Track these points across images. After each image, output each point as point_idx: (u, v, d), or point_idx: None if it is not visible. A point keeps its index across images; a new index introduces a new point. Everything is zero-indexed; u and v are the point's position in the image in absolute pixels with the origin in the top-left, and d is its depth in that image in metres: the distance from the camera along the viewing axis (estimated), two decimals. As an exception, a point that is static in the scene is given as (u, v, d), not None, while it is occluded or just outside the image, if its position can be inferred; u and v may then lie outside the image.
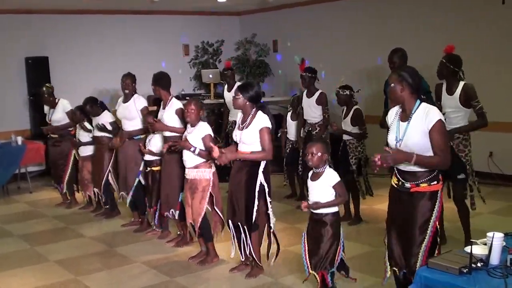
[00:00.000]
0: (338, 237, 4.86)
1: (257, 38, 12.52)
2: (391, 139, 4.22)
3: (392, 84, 4.14)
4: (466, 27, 8.84)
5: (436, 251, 4.19)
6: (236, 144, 5.46)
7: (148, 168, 6.89)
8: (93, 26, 11.34)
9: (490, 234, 3.42)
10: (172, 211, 6.38)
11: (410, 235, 4.15)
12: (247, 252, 5.50)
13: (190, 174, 5.81)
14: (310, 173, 4.94)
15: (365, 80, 10.22)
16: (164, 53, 11.91)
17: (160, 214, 6.73)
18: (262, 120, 5.29)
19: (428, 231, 4.10)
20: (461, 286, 3.16)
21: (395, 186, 4.26)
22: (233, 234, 5.54)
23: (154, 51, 11.79)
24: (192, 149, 5.64)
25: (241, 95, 5.31)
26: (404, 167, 4.14)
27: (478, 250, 3.50)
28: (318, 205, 4.79)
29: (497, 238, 3.38)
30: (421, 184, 4.09)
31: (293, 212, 7.91)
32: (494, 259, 3.37)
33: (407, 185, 4.13)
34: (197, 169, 5.76)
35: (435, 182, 4.12)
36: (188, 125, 5.83)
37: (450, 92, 5.83)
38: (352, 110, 7.08)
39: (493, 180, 8.54)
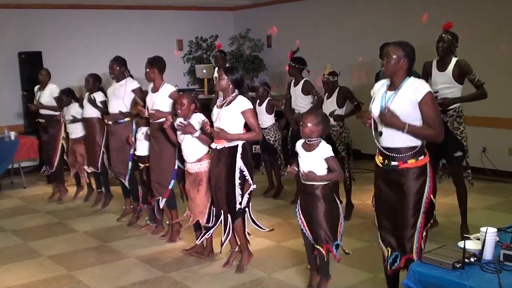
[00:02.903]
0: (336, 208, 4.82)
1: (251, 33, 12.49)
2: (375, 106, 4.17)
3: (395, 56, 4.07)
4: (459, 22, 8.84)
5: (430, 223, 4.21)
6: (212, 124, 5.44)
7: (142, 165, 6.86)
8: (86, 20, 11.31)
9: (483, 229, 3.42)
10: (159, 199, 6.42)
11: (402, 217, 4.13)
12: (228, 238, 5.51)
13: (193, 168, 5.77)
14: (300, 142, 4.87)
15: (359, 75, 10.23)
16: (158, 48, 11.75)
17: (150, 203, 6.78)
18: (244, 102, 5.30)
19: (421, 211, 4.09)
20: (454, 281, 3.16)
21: (381, 165, 4.21)
22: (221, 222, 5.51)
23: (147, 46, 11.70)
24: (195, 134, 5.60)
25: (225, 77, 5.30)
26: (387, 143, 4.10)
27: (471, 245, 3.50)
28: (312, 176, 4.70)
29: (490, 233, 3.38)
30: (408, 161, 4.06)
31: (286, 207, 7.92)
32: (488, 254, 3.37)
33: (394, 163, 4.09)
34: (200, 162, 5.74)
35: (422, 157, 4.10)
36: (179, 119, 5.78)
37: (442, 68, 5.84)
38: (336, 90, 7.00)
39: (486, 175, 8.56)
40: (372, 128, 4.20)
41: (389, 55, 4.11)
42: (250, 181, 5.42)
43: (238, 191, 5.35)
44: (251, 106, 5.33)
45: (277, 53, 12.23)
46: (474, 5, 8.76)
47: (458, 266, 3.25)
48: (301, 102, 7.71)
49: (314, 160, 4.74)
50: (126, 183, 7.34)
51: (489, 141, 8.64)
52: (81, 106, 8.05)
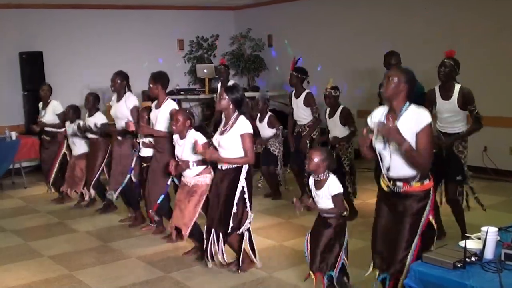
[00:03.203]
0: (341, 240, 4.81)
1: (252, 33, 12.48)
2: (379, 141, 4.14)
3: (395, 79, 4.06)
4: (460, 22, 8.84)
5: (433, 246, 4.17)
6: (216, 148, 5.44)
7: (144, 164, 6.86)
8: (87, 20, 11.30)
9: (484, 228, 3.42)
10: (150, 211, 6.48)
11: (397, 238, 4.10)
12: (220, 257, 5.47)
13: (191, 181, 5.78)
14: (312, 180, 4.90)
15: (359, 74, 10.22)
16: (159, 48, 11.89)
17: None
18: (244, 126, 5.29)
19: (417, 232, 4.07)
20: (455, 281, 3.16)
21: (385, 189, 4.21)
22: (211, 240, 5.47)
23: (148, 46, 11.76)
24: (191, 166, 5.64)
25: (226, 97, 5.29)
26: (394, 175, 4.11)
27: (472, 244, 3.50)
28: (314, 207, 4.79)
29: (491, 233, 3.39)
30: (413, 184, 4.07)
31: (288, 207, 7.89)
32: (488, 254, 3.37)
33: (399, 183, 4.09)
34: (198, 176, 5.75)
35: (427, 180, 4.11)
36: (177, 137, 5.78)
37: (447, 96, 5.78)
38: (340, 109, 7.04)
39: (487, 174, 8.55)
40: (378, 158, 4.20)
41: (389, 78, 4.11)
42: (249, 209, 5.39)
43: (234, 210, 5.31)
44: (250, 130, 5.31)
45: (278, 52, 12.24)
46: (475, 5, 8.74)
47: (459, 265, 3.25)
48: (302, 113, 7.75)
49: (324, 197, 4.80)
50: (115, 196, 7.31)
51: (490, 140, 8.63)
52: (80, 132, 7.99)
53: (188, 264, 5.89)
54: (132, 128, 6.60)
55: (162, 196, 6.38)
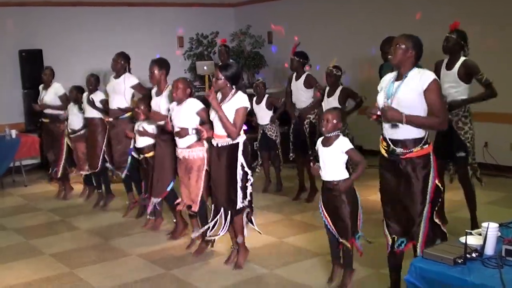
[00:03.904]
0: (356, 202, 4.87)
1: (252, 30, 12.47)
2: (381, 97, 4.23)
3: (403, 46, 4.12)
4: (460, 18, 8.82)
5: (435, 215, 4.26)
6: (211, 123, 5.44)
7: (141, 156, 6.86)
8: (87, 18, 11.29)
9: (485, 224, 3.41)
10: (156, 199, 6.45)
11: (409, 206, 4.18)
12: (232, 236, 5.57)
13: (183, 153, 5.81)
14: (320, 139, 4.92)
15: (360, 69, 10.22)
16: (159, 45, 11.86)
17: (149, 199, 6.73)
18: (241, 99, 5.30)
19: (427, 200, 4.14)
20: (456, 277, 3.16)
21: (385, 155, 4.24)
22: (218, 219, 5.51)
23: (148, 43, 11.73)
24: (190, 133, 5.65)
25: (222, 76, 5.27)
26: (391, 135, 4.15)
27: (473, 240, 3.49)
28: (346, 183, 4.75)
29: (492, 229, 3.38)
30: (413, 149, 4.10)
31: (288, 203, 7.92)
32: (489, 250, 3.36)
33: (399, 150, 4.13)
34: (190, 149, 5.76)
35: (426, 145, 4.15)
36: (173, 104, 5.83)
37: (449, 67, 5.82)
38: (339, 90, 7.07)
39: (488, 170, 8.54)
40: (378, 120, 4.25)
41: (397, 44, 4.16)
42: (250, 177, 5.41)
43: (240, 187, 5.34)
44: (247, 105, 5.33)
45: (278, 49, 12.23)
46: (471, 1, 8.74)
47: (459, 261, 3.25)
48: (302, 95, 7.72)
49: (332, 154, 4.78)
50: (123, 175, 7.41)
51: (491, 136, 8.62)
52: (80, 108, 8.05)
53: (189, 261, 5.89)
54: (140, 117, 6.58)
55: (172, 183, 6.36)
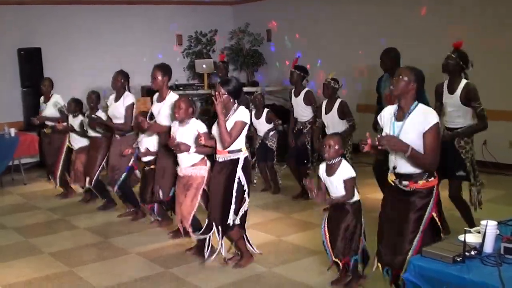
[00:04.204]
0: (360, 223, 4.89)
1: (251, 28, 12.47)
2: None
3: (405, 78, 4.12)
4: (461, 16, 8.83)
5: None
6: (214, 140, 5.44)
7: (147, 167, 6.84)
8: (85, 16, 11.29)
9: (483, 222, 3.41)
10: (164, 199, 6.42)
11: (401, 231, 4.17)
12: (222, 252, 5.53)
13: (185, 171, 5.76)
14: (323, 166, 4.93)
15: (359, 69, 10.22)
16: (157, 43, 11.87)
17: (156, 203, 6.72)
18: (242, 114, 5.30)
19: (420, 229, 4.13)
20: (455, 275, 3.16)
21: (392, 183, 4.27)
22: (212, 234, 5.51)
23: (147, 41, 11.75)
24: (191, 151, 5.60)
25: (225, 92, 5.25)
26: (400, 169, 4.17)
27: (472, 238, 3.50)
28: (330, 200, 4.84)
29: (490, 226, 3.38)
30: (419, 181, 4.12)
31: (287, 202, 7.92)
32: (488, 248, 3.37)
33: (405, 182, 4.15)
34: (193, 167, 5.74)
35: (432, 178, 4.17)
36: (175, 123, 5.78)
37: (451, 90, 5.75)
38: (337, 103, 7.09)
39: (487, 168, 8.54)
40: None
41: (400, 76, 4.16)
42: (247, 196, 5.39)
43: (233, 203, 5.32)
44: (246, 120, 5.31)
45: (276, 47, 12.23)
46: (472, 1, 8.74)
47: (458, 259, 3.25)
48: (302, 111, 7.80)
49: (337, 182, 4.83)
50: (114, 191, 7.37)
51: (489, 134, 8.55)
52: (82, 127, 7.99)
53: (188, 260, 5.89)
54: (144, 125, 6.42)
55: (173, 189, 6.32)
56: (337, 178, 4.82)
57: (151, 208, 6.87)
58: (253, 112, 8.23)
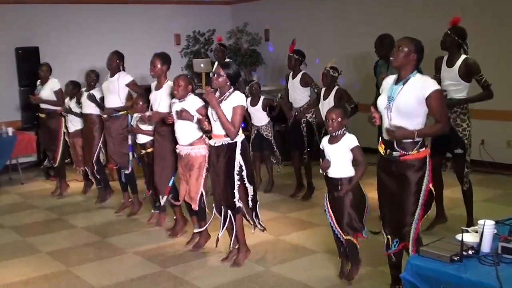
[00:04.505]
0: (363, 199, 4.95)
1: (249, 27, 12.47)
2: (382, 99, 4.29)
3: (406, 49, 4.17)
4: (459, 14, 8.83)
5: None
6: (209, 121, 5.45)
7: (143, 151, 6.87)
8: (83, 15, 11.28)
9: (481, 221, 3.42)
10: (160, 196, 6.44)
11: (402, 206, 4.25)
12: (233, 236, 5.58)
13: (184, 150, 5.81)
14: (326, 138, 4.99)
15: (357, 68, 10.21)
16: (155, 43, 11.81)
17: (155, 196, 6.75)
18: (239, 98, 5.30)
19: (419, 202, 4.21)
20: (452, 274, 3.17)
21: (383, 154, 4.32)
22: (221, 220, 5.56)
23: (145, 41, 11.72)
24: (194, 120, 5.63)
25: (223, 74, 5.29)
26: (390, 139, 4.21)
27: (469, 238, 3.50)
28: (347, 188, 4.83)
29: (488, 226, 3.39)
30: (410, 152, 4.17)
31: (284, 201, 7.92)
32: (485, 247, 3.37)
33: (396, 153, 4.20)
34: (191, 146, 5.77)
35: (423, 148, 4.21)
36: (174, 100, 5.85)
37: (450, 64, 5.82)
38: (334, 90, 7.03)
39: (484, 168, 8.56)
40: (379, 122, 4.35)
41: (400, 47, 4.20)
42: (247, 184, 5.41)
43: (237, 187, 5.34)
44: (244, 103, 5.33)
45: (275, 47, 12.22)
46: (472, 0, 8.75)
47: (456, 259, 3.26)
48: (299, 94, 7.73)
49: (340, 151, 4.85)
50: (126, 173, 7.41)
51: (487, 134, 8.63)
52: (78, 102, 8.05)
53: (186, 259, 5.89)
54: (145, 119, 6.53)
55: (173, 178, 6.36)
56: (341, 146, 4.85)
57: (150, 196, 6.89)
58: (249, 99, 8.19)
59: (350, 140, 4.85)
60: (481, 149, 8.67)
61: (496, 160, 8.67)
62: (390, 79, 4.40)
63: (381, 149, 4.34)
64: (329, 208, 4.96)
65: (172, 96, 6.01)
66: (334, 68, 7.08)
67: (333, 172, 4.88)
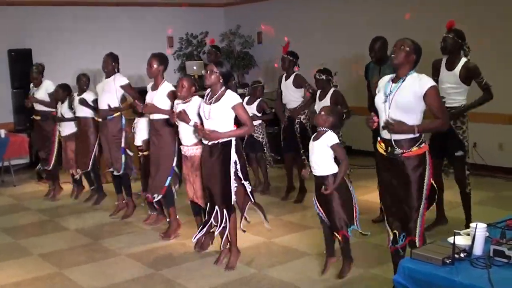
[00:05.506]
0: (349, 194, 5.04)
1: (242, 30, 12.47)
2: (380, 97, 4.36)
3: (407, 48, 4.25)
4: (456, 16, 8.85)
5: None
6: (201, 121, 5.45)
7: (140, 153, 6.87)
8: (77, 18, 11.25)
9: (473, 224, 3.42)
10: (155, 196, 6.41)
11: (407, 202, 4.34)
12: (225, 236, 5.56)
13: (189, 151, 5.83)
14: (314, 135, 5.10)
15: (350, 71, 10.22)
16: (148, 45, 11.76)
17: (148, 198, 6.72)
18: (234, 97, 5.31)
19: (423, 197, 4.31)
20: (444, 277, 3.17)
21: (384, 153, 4.38)
22: (207, 219, 5.56)
23: (138, 43, 11.70)
24: (191, 123, 5.62)
25: (217, 71, 5.29)
26: (389, 137, 4.29)
27: (461, 240, 3.50)
28: (333, 186, 4.91)
29: (480, 229, 3.39)
30: (411, 149, 4.25)
31: (276, 204, 7.92)
32: (477, 250, 3.38)
33: (398, 151, 4.27)
34: (196, 146, 5.77)
35: (423, 145, 4.30)
36: (177, 101, 5.86)
37: (451, 67, 5.83)
38: (330, 92, 6.98)
39: (476, 170, 8.56)
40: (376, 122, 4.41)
41: (402, 46, 4.29)
42: (245, 182, 5.43)
43: (233, 185, 5.35)
44: (240, 100, 5.35)
45: (268, 49, 12.21)
46: (463, 3, 8.77)
47: (448, 261, 3.26)
48: (292, 95, 7.74)
49: (319, 147, 4.94)
50: (121, 171, 7.37)
51: (479, 136, 8.63)
52: (70, 106, 8.03)
53: (178, 262, 5.89)
54: (140, 108, 6.50)
55: (169, 178, 6.36)
56: (321, 143, 4.95)
57: (146, 198, 6.85)
58: (246, 98, 8.19)
59: (329, 138, 4.95)
60: (474, 151, 8.68)
61: (488, 163, 8.68)
62: (386, 79, 4.46)
63: (381, 148, 4.40)
64: (318, 204, 5.07)
65: (172, 97, 6.04)
66: (323, 70, 7.07)
67: (317, 170, 5.00)
